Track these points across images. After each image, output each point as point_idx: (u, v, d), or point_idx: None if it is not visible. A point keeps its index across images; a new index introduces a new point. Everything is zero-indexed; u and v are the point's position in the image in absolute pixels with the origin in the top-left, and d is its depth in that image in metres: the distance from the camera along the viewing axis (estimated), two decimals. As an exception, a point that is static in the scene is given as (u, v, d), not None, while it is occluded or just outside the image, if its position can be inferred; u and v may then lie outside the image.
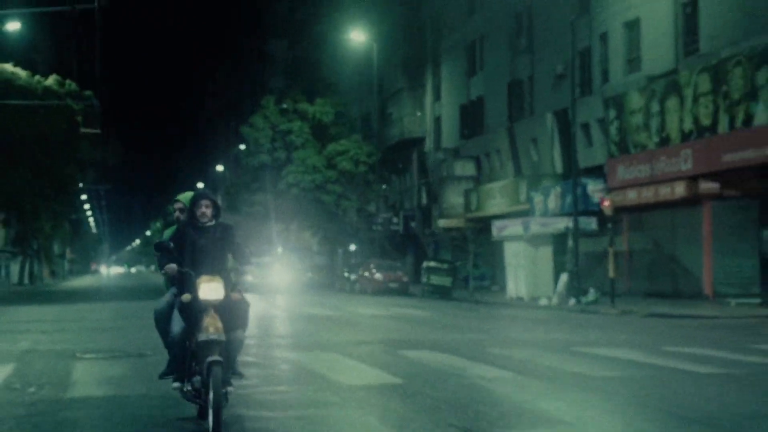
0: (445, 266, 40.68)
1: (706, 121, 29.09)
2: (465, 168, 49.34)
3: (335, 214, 58.11)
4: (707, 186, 29.70)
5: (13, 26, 46.85)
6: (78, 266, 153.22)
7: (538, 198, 38.84)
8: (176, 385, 7.88)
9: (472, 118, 50.83)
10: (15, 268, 73.18)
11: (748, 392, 9.74)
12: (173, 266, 7.62)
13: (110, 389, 10.17)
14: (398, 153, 60.58)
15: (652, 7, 33.86)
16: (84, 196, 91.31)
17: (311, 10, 74.37)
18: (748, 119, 27.15)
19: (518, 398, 9.19)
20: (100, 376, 11.35)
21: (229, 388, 7.55)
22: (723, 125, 28.26)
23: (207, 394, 7.28)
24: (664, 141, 31.23)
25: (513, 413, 8.34)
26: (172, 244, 7.71)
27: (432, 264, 41.19)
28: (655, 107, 31.70)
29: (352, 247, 62.26)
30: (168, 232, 8.35)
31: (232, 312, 7.54)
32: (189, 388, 7.71)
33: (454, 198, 48.63)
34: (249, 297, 8.38)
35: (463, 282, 41.78)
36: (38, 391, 10.07)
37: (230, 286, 7.60)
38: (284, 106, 61.78)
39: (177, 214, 8.39)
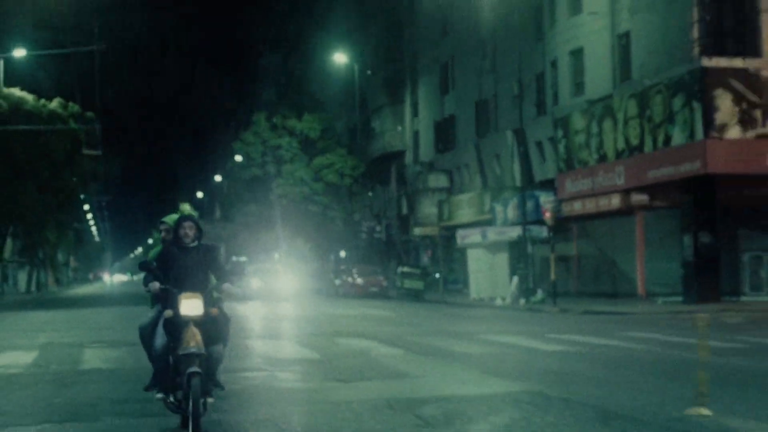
0: (418, 271, 44.76)
1: (634, 141, 33.04)
2: (438, 180, 53.43)
3: (322, 223, 61.96)
4: (638, 198, 33.77)
5: (19, 53, 50.76)
6: (81, 274, 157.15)
7: (499, 208, 42.80)
8: (160, 396, 8.34)
9: (445, 134, 54.75)
10: (22, 276, 76.54)
11: (572, 362, 13.46)
12: (156, 284, 8.14)
13: (112, 364, 14.12)
14: (381, 165, 64.39)
15: (593, 37, 37.83)
16: (86, 206, 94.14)
17: (301, 27, 78.28)
18: (668, 140, 31.08)
19: (393, 365, 13.12)
20: (103, 356, 15.31)
21: (209, 399, 8.01)
22: (648, 145, 32.20)
23: (187, 404, 7.72)
24: (602, 158, 35.17)
25: (380, 372, 12.27)
26: (155, 264, 8.27)
27: (406, 269, 45.18)
28: (594, 128, 35.64)
29: (343, 254, 65.96)
30: (153, 252, 8.95)
31: (212, 327, 7.98)
32: (172, 399, 8.22)
33: (428, 208, 52.65)
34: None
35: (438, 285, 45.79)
36: (60, 366, 14.01)
37: (211, 303, 8.04)
38: (274, 121, 65.65)
39: (163, 234, 8.90)
